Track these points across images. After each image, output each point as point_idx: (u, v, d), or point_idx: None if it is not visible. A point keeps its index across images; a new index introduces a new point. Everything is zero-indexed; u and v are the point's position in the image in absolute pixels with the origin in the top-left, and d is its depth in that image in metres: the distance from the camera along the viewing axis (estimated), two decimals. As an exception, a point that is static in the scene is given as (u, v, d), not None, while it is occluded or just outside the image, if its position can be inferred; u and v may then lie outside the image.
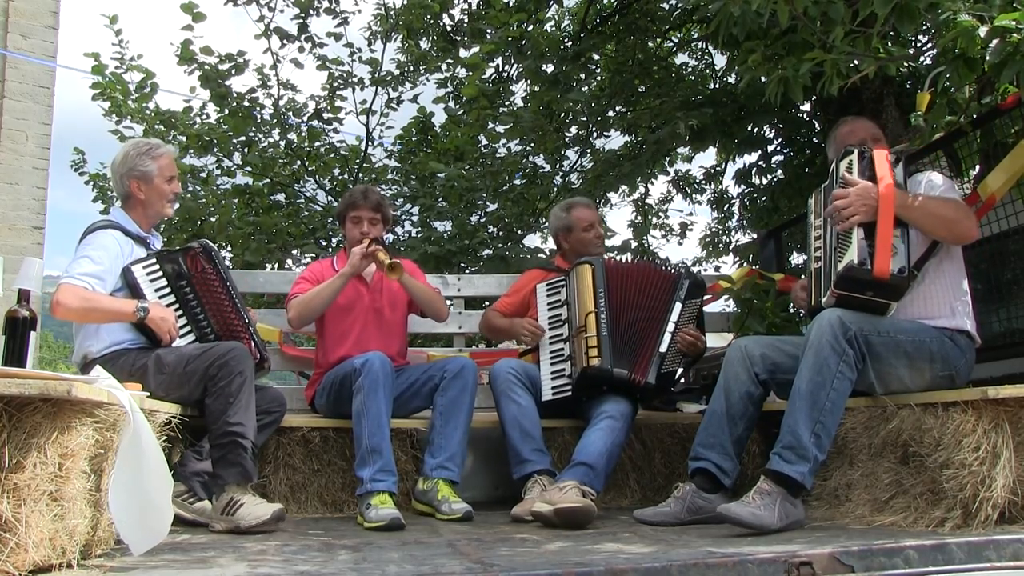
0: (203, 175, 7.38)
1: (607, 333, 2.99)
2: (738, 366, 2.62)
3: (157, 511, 1.87)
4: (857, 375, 2.37)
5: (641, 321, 3.08)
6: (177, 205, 3.01)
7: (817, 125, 6.72)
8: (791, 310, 3.89)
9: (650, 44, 7.87)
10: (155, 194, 2.87)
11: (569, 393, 3.02)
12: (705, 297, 4.33)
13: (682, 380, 3.21)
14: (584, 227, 3.47)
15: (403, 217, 7.34)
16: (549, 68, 6.96)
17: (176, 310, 2.78)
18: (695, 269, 9.33)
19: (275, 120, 7.11)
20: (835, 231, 2.50)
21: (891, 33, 3.11)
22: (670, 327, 3.08)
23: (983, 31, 2.25)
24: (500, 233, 7.05)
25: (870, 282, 2.38)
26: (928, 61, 5.02)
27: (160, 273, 2.80)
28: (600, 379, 2.97)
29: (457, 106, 7.56)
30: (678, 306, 3.12)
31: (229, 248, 6.88)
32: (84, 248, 2.71)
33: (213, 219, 6.96)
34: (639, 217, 9.50)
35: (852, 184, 2.47)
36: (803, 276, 2.92)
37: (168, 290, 2.80)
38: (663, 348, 3.05)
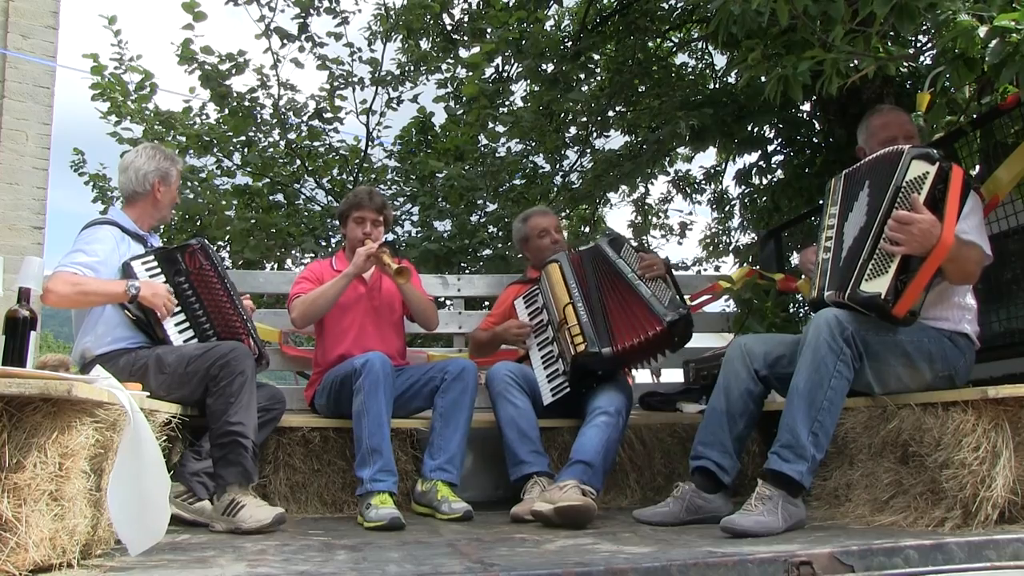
0: (203, 175, 7.36)
1: (587, 318, 3.03)
2: (738, 364, 2.62)
3: (155, 511, 1.87)
4: (855, 374, 2.37)
5: (611, 298, 3.11)
6: None
7: (817, 125, 6.72)
8: (791, 310, 3.89)
9: (650, 44, 7.86)
10: (169, 197, 3.00)
11: (568, 388, 3.02)
12: (705, 297, 4.35)
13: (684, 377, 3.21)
14: (538, 234, 3.58)
15: (403, 217, 7.33)
16: (549, 68, 6.95)
17: (175, 307, 2.79)
18: (695, 269, 9.40)
19: (275, 120, 7.10)
20: (878, 246, 2.36)
21: (891, 33, 3.10)
22: (635, 281, 3.10)
23: (983, 31, 2.25)
24: (500, 233, 7.04)
25: (881, 311, 2.34)
26: (928, 61, 5.01)
27: (159, 270, 2.82)
28: (592, 363, 2.97)
29: (457, 106, 7.56)
30: (621, 264, 3.16)
31: (228, 247, 6.88)
32: (79, 242, 2.76)
33: (213, 218, 6.95)
34: (639, 217, 9.51)
35: (920, 212, 2.27)
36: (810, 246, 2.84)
37: (167, 287, 2.80)
38: (644, 293, 3.06)
